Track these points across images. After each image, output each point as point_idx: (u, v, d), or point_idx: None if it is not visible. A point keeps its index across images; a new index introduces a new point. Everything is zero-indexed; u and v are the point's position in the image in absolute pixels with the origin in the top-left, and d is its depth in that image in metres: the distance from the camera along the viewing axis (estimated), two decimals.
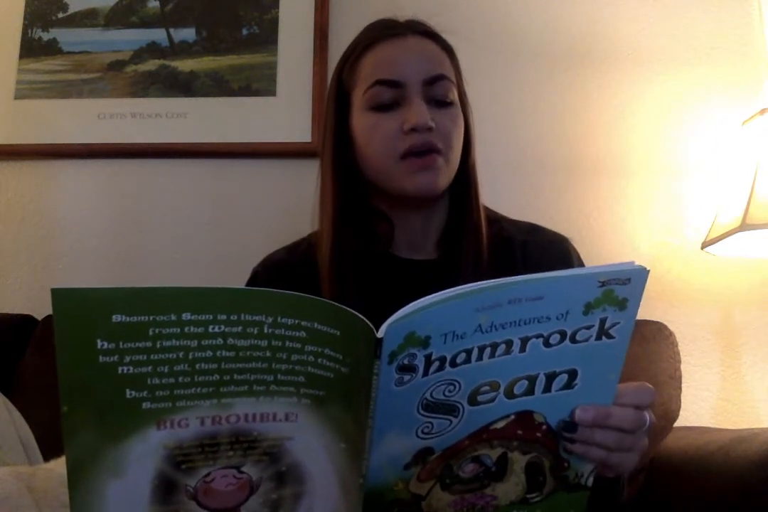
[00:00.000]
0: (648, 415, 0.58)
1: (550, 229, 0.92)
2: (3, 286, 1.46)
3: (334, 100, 0.87)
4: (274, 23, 1.54)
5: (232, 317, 0.44)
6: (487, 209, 0.91)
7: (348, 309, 0.46)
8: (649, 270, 0.51)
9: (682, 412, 1.22)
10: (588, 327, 0.51)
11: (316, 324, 0.46)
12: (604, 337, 0.52)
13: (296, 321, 0.45)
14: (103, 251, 1.47)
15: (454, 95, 0.83)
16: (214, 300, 0.43)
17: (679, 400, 1.22)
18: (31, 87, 1.53)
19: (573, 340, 0.51)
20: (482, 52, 1.52)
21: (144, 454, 0.45)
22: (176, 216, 1.48)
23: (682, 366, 1.24)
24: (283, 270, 0.90)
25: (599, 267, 0.50)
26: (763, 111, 1.28)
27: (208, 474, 0.46)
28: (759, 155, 1.25)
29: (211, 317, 0.43)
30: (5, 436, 0.85)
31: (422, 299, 0.47)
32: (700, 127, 1.48)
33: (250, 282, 0.92)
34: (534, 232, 0.90)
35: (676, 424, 1.21)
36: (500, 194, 1.43)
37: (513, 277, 0.49)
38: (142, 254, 1.46)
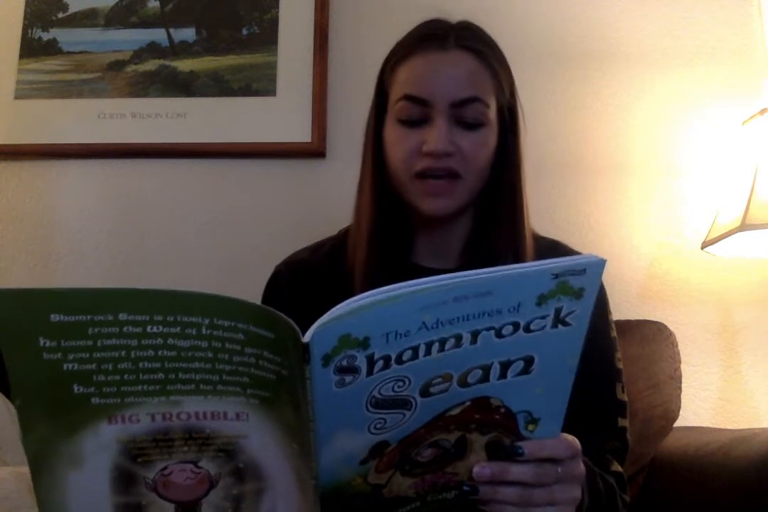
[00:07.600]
0: (574, 466, 0.56)
1: (570, 248, 0.91)
2: (3, 286, 1.46)
3: (376, 97, 0.87)
4: (274, 23, 1.54)
5: (169, 318, 0.45)
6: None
7: (279, 313, 0.46)
8: (605, 261, 0.50)
9: (682, 412, 1.22)
10: (542, 317, 0.50)
11: (251, 327, 0.46)
12: (560, 325, 0.51)
13: (233, 324, 0.46)
14: (103, 251, 1.47)
15: (487, 116, 0.81)
16: (149, 301, 0.45)
17: (679, 400, 1.22)
18: (31, 87, 1.52)
19: (527, 330, 0.50)
20: None
21: (99, 447, 0.47)
22: (176, 216, 1.48)
23: (682, 366, 1.24)
24: (308, 270, 0.89)
25: (552, 260, 0.50)
26: (763, 111, 1.28)
27: (165, 468, 0.48)
28: (759, 155, 1.25)
29: (148, 318, 0.44)
30: (5, 436, 0.85)
31: (354, 299, 0.46)
32: (700, 126, 1.48)
33: (272, 281, 0.91)
34: (554, 250, 0.90)
35: (676, 424, 1.21)
36: None
37: (458, 274, 0.48)
38: (142, 254, 1.46)
